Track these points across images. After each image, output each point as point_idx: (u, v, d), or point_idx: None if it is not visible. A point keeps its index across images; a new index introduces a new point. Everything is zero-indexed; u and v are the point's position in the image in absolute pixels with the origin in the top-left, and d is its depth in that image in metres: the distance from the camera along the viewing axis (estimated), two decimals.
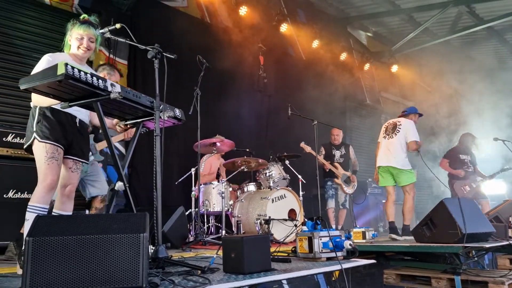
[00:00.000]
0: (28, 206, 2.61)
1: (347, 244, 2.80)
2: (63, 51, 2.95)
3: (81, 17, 2.89)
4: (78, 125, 2.87)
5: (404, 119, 5.51)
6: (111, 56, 6.01)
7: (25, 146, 2.74)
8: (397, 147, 5.37)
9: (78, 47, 2.86)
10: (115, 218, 1.90)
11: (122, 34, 2.91)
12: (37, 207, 2.59)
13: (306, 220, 5.01)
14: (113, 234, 1.78)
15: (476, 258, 4.50)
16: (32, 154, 2.71)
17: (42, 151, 2.64)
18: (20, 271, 2.47)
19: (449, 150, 7.27)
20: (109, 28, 2.79)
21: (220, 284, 1.96)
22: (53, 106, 2.69)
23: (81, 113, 2.88)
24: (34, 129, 2.67)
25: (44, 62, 2.71)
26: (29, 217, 2.55)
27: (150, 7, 6.41)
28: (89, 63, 5.75)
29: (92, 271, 1.74)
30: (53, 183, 2.66)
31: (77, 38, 2.85)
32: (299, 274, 2.37)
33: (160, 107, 2.66)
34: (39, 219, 1.86)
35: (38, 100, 2.67)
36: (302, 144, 6.18)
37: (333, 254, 2.82)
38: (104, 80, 2.40)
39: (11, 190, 3.97)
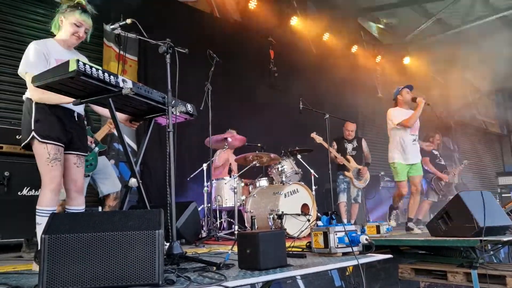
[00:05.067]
0: (37, 210, 2.55)
1: (363, 239, 2.76)
2: (52, 34, 2.83)
3: (76, 1, 2.72)
4: (76, 119, 2.78)
5: (388, 111, 5.37)
6: (121, 52, 6.01)
7: (23, 144, 2.61)
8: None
9: (73, 34, 2.73)
10: (130, 215, 1.89)
11: (132, 29, 2.89)
12: (47, 211, 2.53)
13: (319, 215, 4.99)
14: (128, 231, 1.77)
15: (492, 252, 4.44)
16: (30, 150, 2.61)
17: (44, 152, 2.54)
18: (35, 268, 2.48)
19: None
20: (120, 24, 2.77)
21: (236, 280, 1.94)
22: (75, 104, 2.59)
23: (77, 107, 2.76)
24: (33, 127, 2.55)
25: (32, 50, 2.61)
26: (41, 221, 2.50)
27: (159, 2, 6.39)
28: (99, 60, 5.81)
29: (108, 268, 1.73)
30: (58, 185, 2.60)
31: (73, 24, 2.71)
32: (315, 270, 2.34)
33: (172, 103, 2.64)
34: (54, 216, 1.86)
35: (42, 97, 2.57)
36: (313, 135, 6.06)
37: (349, 249, 2.78)
38: (115, 76, 2.39)
39: (25, 188, 4.00)
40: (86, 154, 2.94)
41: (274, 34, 7.87)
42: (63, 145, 2.65)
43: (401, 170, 5.11)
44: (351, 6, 9.35)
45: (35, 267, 2.51)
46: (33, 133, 2.55)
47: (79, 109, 2.83)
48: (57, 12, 2.77)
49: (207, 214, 5.06)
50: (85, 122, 3.03)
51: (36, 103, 2.60)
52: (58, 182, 2.60)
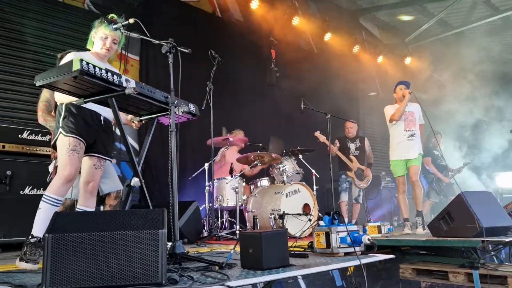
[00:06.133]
0: (43, 196, 2.59)
1: (365, 239, 2.76)
2: (88, 49, 2.96)
3: (110, 16, 2.86)
4: (102, 123, 2.87)
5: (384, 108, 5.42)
6: (123, 52, 6.01)
7: (52, 142, 2.78)
8: None
9: (101, 47, 2.86)
10: (133, 214, 1.89)
11: (134, 29, 2.90)
12: (52, 198, 2.57)
13: (321, 215, 4.98)
14: (132, 230, 1.78)
15: (493, 253, 4.43)
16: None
17: (65, 144, 2.65)
18: (23, 266, 2.44)
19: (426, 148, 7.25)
20: (123, 23, 2.77)
21: (239, 280, 1.94)
22: (78, 104, 2.70)
23: (104, 111, 2.85)
24: (60, 125, 2.69)
25: (68, 60, 2.67)
26: (42, 207, 2.56)
27: (161, 2, 6.39)
28: None
29: (111, 268, 1.74)
30: (71, 175, 2.63)
31: (102, 38, 2.85)
32: (317, 270, 2.34)
33: (175, 102, 2.64)
34: (58, 215, 1.86)
35: (60, 97, 2.68)
36: (317, 133, 6.06)
37: (351, 249, 2.79)
38: (119, 75, 2.40)
39: (27, 187, 4.00)
40: (109, 159, 2.99)
41: (275, 34, 7.85)
42: (84, 142, 2.72)
43: (397, 167, 5.17)
44: (353, 6, 9.34)
45: (23, 265, 2.45)
46: (60, 129, 2.69)
47: (106, 113, 2.89)
48: (91, 30, 2.93)
49: (208, 213, 5.06)
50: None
51: (66, 105, 2.73)
52: (70, 171, 2.63)
